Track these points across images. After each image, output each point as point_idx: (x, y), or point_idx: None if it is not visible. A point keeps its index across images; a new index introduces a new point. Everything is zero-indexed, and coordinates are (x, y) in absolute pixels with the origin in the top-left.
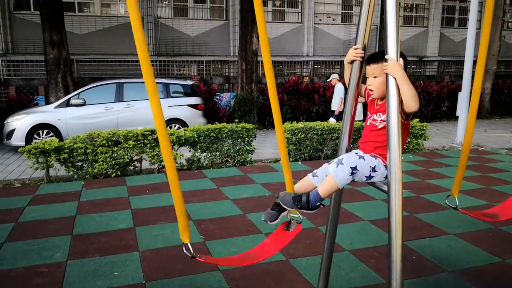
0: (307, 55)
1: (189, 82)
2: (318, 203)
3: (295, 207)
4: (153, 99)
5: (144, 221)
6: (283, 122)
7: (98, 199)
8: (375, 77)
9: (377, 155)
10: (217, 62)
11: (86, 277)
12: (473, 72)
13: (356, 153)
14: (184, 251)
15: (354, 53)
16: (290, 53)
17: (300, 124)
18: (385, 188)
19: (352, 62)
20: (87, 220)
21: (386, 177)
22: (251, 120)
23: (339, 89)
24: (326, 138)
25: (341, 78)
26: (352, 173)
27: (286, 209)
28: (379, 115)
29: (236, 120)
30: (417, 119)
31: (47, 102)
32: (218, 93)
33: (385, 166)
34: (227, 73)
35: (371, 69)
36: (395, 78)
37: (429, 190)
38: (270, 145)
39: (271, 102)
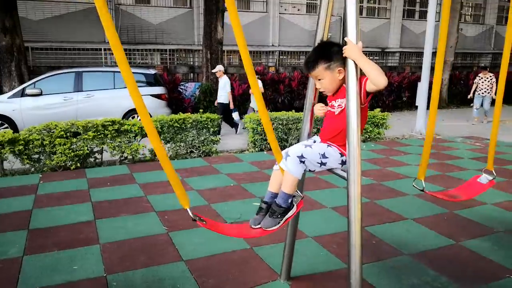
0: (272, 45)
1: (152, 71)
2: (290, 199)
3: (278, 221)
4: (131, 87)
5: (104, 214)
6: (247, 112)
7: (57, 192)
8: (319, 79)
9: (331, 144)
10: (181, 51)
11: (43, 272)
12: (432, 63)
13: (303, 144)
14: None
15: (319, 109)
16: (255, 42)
17: None
18: (345, 174)
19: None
20: (45, 214)
21: (343, 163)
22: (216, 111)
23: (225, 82)
24: (291, 128)
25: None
26: (301, 162)
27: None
28: (337, 100)
29: (201, 110)
30: (378, 109)
31: (0, 92)
32: (182, 83)
33: (341, 153)
34: (191, 63)
35: (312, 75)
36: (354, 62)
37: (389, 177)
38: (236, 136)
39: (252, 90)
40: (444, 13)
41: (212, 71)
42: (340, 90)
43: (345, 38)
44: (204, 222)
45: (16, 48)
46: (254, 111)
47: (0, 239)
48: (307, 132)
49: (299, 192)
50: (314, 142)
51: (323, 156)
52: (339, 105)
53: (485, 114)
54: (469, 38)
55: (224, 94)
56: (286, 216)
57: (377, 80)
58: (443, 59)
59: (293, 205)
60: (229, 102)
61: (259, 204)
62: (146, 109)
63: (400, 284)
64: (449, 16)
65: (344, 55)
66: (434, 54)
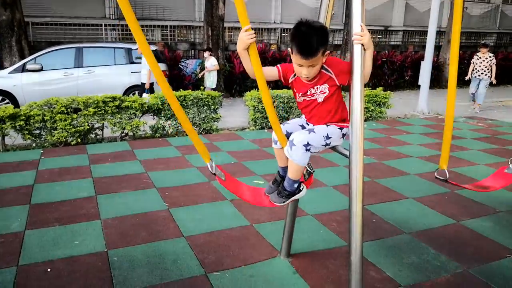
0: (274, 22)
1: (153, 48)
2: (296, 184)
3: (283, 200)
4: (153, 65)
5: (105, 190)
6: (249, 90)
7: (58, 167)
8: (312, 66)
9: (329, 123)
10: (182, 28)
11: (45, 246)
12: (436, 42)
13: (305, 128)
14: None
15: (248, 37)
16: (257, 19)
17: None
18: (347, 152)
19: (248, 47)
20: (46, 189)
21: (344, 136)
22: (217, 88)
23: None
24: (292, 106)
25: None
26: (307, 150)
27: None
28: (317, 88)
29: (202, 87)
30: (381, 88)
31: (1, 67)
32: (183, 60)
33: (340, 128)
34: (192, 39)
35: (308, 61)
36: (365, 50)
37: (391, 156)
38: (237, 113)
39: (254, 69)
40: None
41: (134, 48)
42: (320, 76)
43: (362, 25)
44: (223, 179)
45: (17, 22)
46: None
47: (2, 214)
48: None
49: (310, 167)
50: (305, 129)
51: (327, 137)
52: (321, 91)
53: (473, 99)
54: (474, 17)
55: (145, 73)
56: (292, 198)
57: (368, 75)
58: (459, 39)
59: (301, 189)
60: (150, 82)
61: (260, 181)
62: (165, 78)
63: (400, 262)
64: None
65: (359, 42)
66: (438, 32)
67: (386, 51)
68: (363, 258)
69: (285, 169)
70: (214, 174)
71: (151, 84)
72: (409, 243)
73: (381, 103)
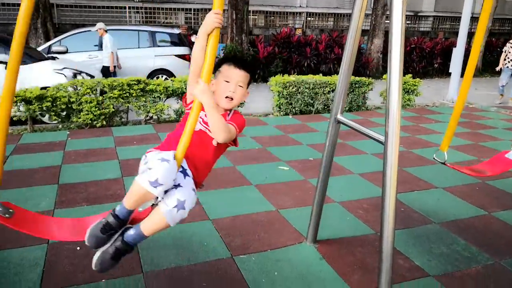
0: (300, 6)
1: (176, 31)
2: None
3: (114, 264)
4: None
5: (132, 172)
6: (274, 76)
7: (84, 149)
8: (240, 86)
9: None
10: (206, 11)
11: None
12: (470, 28)
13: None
14: None
15: (216, 19)
16: (282, 3)
17: (292, 78)
18: (382, 138)
19: (211, 32)
20: (73, 169)
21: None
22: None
23: (108, 41)
24: (318, 92)
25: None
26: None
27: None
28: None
29: None
30: (409, 75)
31: None
32: None
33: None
34: None
35: (239, 75)
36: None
37: (419, 145)
38: (260, 99)
39: (208, 59)
40: None
41: (92, 29)
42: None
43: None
44: (7, 216)
45: (42, 4)
46: None
47: (31, 193)
48: (341, 96)
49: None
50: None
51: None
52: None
53: (501, 92)
54: (509, 3)
55: (107, 56)
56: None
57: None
58: (486, 25)
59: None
60: (113, 65)
61: (284, 167)
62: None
63: (430, 252)
64: None
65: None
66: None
67: (415, 38)
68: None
69: (129, 214)
70: None
71: (114, 68)
72: (438, 233)
73: (409, 91)
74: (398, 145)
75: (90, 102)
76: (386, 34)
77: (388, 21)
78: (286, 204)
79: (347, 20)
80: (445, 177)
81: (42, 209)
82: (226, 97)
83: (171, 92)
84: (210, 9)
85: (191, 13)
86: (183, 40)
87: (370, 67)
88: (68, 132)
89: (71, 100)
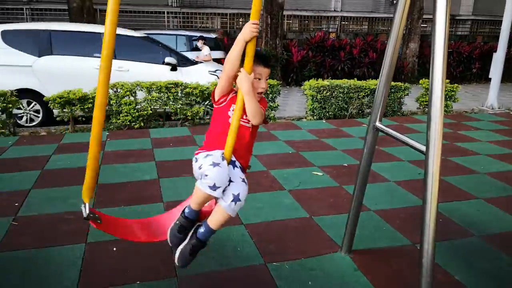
0: (334, 10)
1: (213, 35)
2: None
3: (191, 259)
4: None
5: (168, 173)
6: (307, 80)
7: (123, 150)
8: (266, 79)
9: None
10: (241, 16)
11: None
12: (511, 33)
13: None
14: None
15: (254, 30)
16: (316, 7)
17: (326, 82)
18: (422, 148)
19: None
20: (112, 170)
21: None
22: (275, 76)
23: None
24: (352, 97)
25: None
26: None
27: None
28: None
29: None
30: (447, 80)
31: None
32: None
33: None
34: None
35: (267, 72)
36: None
37: (458, 153)
38: (293, 103)
39: (246, 64)
40: None
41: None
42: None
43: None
44: (99, 222)
45: (86, 9)
46: None
47: (71, 192)
48: (381, 103)
49: None
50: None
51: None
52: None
53: None
54: None
55: None
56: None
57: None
58: None
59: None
60: None
61: (318, 173)
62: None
63: (471, 267)
64: None
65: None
66: None
67: (453, 42)
68: None
69: (198, 213)
70: (86, 219)
71: None
72: (480, 247)
73: (447, 96)
74: (440, 156)
75: (129, 104)
76: (422, 38)
77: (424, 25)
78: (320, 211)
79: (381, 24)
80: (485, 187)
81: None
82: (258, 92)
83: (207, 95)
84: (245, 14)
85: (227, 18)
86: (219, 45)
87: (405, 71)
88: (108, 133)
89: (111, 102)
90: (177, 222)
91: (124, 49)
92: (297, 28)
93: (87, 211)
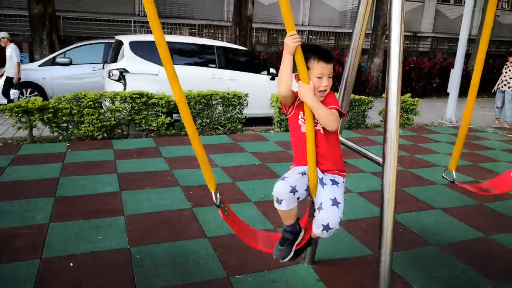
0: (302, 24)
1: None
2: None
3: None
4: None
5: (130, 186)
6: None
7: (84, 161)
8: (330, 77)
9: (340, 172)
10: (210, 27)
11: (68, 240)
12: (467, 50)
13: (336, 182)
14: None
15: (293, 41)
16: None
17: None
18: (380, 160)
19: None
20: (71, 182)
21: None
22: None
23: (11, 51)
24: None
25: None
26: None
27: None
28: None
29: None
30: (408, 94)
31: (31, 60)
32: None
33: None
34: (220, 39)
35: (329, 69)
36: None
37: (418, 164)
38: None
39: (300, 72)
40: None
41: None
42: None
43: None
44: (226, 214)
45: (48, 16)
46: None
47: (28, 205)
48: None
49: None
50: (303, 174)
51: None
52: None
53: (497, 116)
54: (506, 26)
55: (12, 66)
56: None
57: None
58: (487, 47)
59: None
60: (17, 76)
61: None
62: (178, 79)
63: (428, 275)
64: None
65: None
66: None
67: (414, 57)
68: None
69: (297, 224)
70: (218, 206)
71: (18, 80)
72: (437, 255)
73: (408, 110)
74: (396, 167)
75: (92, 114)
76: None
77: (388, 41)
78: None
79: (348, 39)
80: (443, 198)
81: (38, 222)
82: (320, 91)
83: (173, 106)
84: (214, 25)
85: (195, 29)
86: None
87: (370, 85)
88: (68, 144)
89: (73, 112)
90: (281, 238)
91: (235, 61)
92: (265, 41)
93: (218, 200)
